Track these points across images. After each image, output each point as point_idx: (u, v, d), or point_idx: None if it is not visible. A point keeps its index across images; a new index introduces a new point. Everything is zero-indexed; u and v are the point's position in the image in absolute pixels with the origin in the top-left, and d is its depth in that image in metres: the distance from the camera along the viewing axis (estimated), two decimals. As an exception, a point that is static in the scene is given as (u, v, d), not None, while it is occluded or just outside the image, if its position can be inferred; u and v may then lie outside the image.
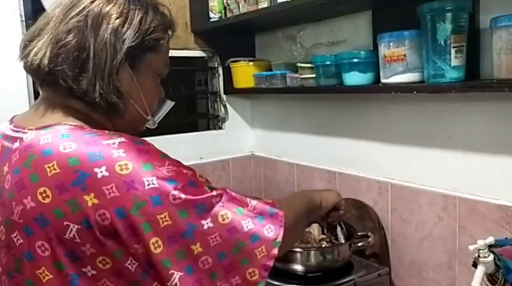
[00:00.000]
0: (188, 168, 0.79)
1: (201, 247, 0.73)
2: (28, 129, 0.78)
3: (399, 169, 1.55)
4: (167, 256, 0.71)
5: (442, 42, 1.19)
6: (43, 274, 0.71)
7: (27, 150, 0.74)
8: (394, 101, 1.53)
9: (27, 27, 1.55)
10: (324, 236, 1.47)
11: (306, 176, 1.93)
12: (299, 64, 1.67)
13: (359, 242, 1.44)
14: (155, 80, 0.90)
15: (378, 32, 1.38)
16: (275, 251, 0.80)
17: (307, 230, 1.47)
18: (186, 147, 2.03)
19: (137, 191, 0.70)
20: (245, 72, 1.94)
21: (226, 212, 0.77)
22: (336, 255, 1.38)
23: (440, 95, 1.37)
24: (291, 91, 1.76)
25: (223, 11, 1.90)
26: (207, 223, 0.74)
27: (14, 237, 0.73)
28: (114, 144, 0.73)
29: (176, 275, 0.71)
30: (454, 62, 1.20)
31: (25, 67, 0.82)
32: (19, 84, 1.60)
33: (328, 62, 1.53)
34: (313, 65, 1.58)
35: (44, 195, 0.70)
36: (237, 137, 2.20)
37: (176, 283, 0.71)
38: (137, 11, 0.81)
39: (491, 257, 1.08)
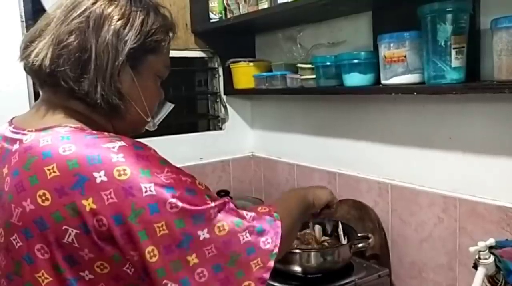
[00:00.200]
0: (187, 175, 0.78)
1: (197, 258, 0.73)
2: (28, 131, 0.77)
3: (399, 170, 1.54)
4: (162, 266, 0.70)
5: (442, 43, 1.19)
6: (42, 278, 0.71)
7: (26, 152, 0.74)
8: (394, 102, 1.53)
9: (27, 27, 1.54)
10: (326, 238, 1.47)
11: (306, 177, 1.93)
12: (299, 65, 1.66)
13: (359, 243, 1.44)
14: (156, 82, 0.90)
15: (379, 33, 1.38)
16: (271, 263, 0.79)
17: (308, 230, 1.47)
18: (186, 148, 2.03)
19: (134, 197, 0.69)
20: (245, 73, 1.94)
21: (223, 223, 0.76)
22: (336, 256, 1.38)
23: (440, 96, 1.37)
24: (291, 92, 1.75)
25: (223, 11, 1.90)
26: (203, 234, 0.73)
27: (13, 239, 0.72)
28: (114, 148, 0.72)
29: None
30: (455, 63, 1.20)
31: (25, 68, 0.82)
32: (19, 84, 1.59)
33: (328, 63, 1.52)
34: (313, 66, 1.58)
35: (43, 198, 0.70)
36: (237, 138, 2.20)
37: None
38: (138, 12, 0.81)
39: (492, 258, 1.08)
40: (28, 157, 0.73)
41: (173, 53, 2.04)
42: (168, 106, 0.99)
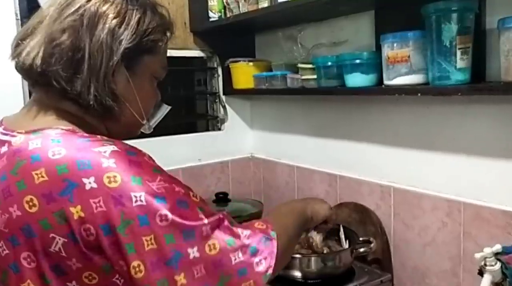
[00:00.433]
0: (182, 185, 0.75)
1: (185, 278, 0.69)
2: (18, 132, 0.75)
3: (402, 173, 1.52)
4: (147, 284, 0.67)
5: (447, 43, 1.17)
6: None
7: (15, 155, 0.71)
8: (397, 103, 1.50)
9: (22, 25, 1.52)
10: (327, 242, 1.44)
11: (306, 179, 1.90)
12: (299, 65, 1.64)
13: (361, 248, 1.41)
14: (152, 83, 0.88)
15: (381, 32, 1.36)
16: (264, 285, 0.76)
17: (308, 235, 1.45)
18: (185, 148, 2.01)
19: (124, 207, 0.66)
20: (244, 73, 1.92)
21: (214, 242, 0.72)
22: (337, 262, 1.35)
23: (444, 97, 1.34)
24: (291, 92, 1.74)
25: (222, 10, 1.88)
26: (193, 252, 0.70)
27: (0, 247, 0.70)
28: (105, 152, 0.69)
29: None
30: (460, 64, 1.17)
31: (16, 67, 0.80)
32: (13, 83, 1.56)
33: (329, 63, 1.50)
34: (314, 66, 1.56)
35: (31, 203, 0.67)
36: (237, 139, 2.18)
37: None
38: (135, 11, 0.79)
39: (498, 265, 1.05)
40: (16, 160, 0.70)
41: (171, 53, 2.02)
42: (165, 109, 0.97)
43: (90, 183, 0.66)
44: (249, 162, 2.21)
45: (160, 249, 0.67)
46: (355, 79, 1.42)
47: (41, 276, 0.68)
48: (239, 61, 1.94)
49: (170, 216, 0.68)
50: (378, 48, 1.38)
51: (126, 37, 0.77)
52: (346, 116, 1.71)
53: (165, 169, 0.75)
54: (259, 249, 0.77)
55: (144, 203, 0.67)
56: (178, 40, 1.93)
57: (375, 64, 1.39)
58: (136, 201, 0.67)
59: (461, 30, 1.16)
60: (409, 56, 1.27)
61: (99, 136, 0.74)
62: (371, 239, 1.46)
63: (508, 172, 1.24)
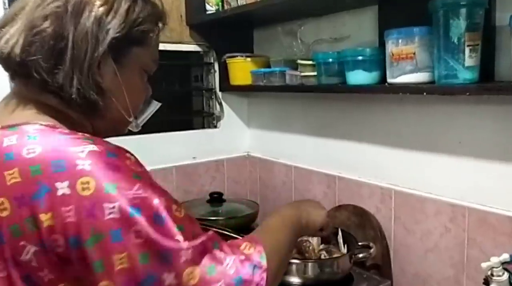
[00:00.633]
0: (165, 196, 0.67)
1: None
2: None
3: (404, 175, 1.47)
4: None
5: (455, 40, 1.12)
6: None
7: None
8: (401, 102, 1.46)
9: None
10: (325, 246, 1.40)
11: (304, 179, 1.86)
12: (299, 61, 1.61)
13: (360, 253, 1.36)
14: (142, 78, 0.83)
15: (385, 28, 1.31)
16: None
17: (305, 238, 1.40)
18: (179, 146, 1.97)
19: (95, 219, 0.60)
20: (242, 69, 1.89)
21: (193, 270, 0.65)
22: (336, 267, 1.30)
23: (450, 97, 1.30)
24: (290, 89, 1.71)
25: (220, 3, 1.84)
26: (169, 279, 0.63)
27: None
28: (82, 152, 0.64)
29: None
30: (468, 62, 1.12)
31: None
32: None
33: (330, 60, 1.47)
34: (314, 63, 1.52)
35: (1, 207, 0.62)
36: (233, 137, 2.13)
37: None
38: None
39: (506, 275, 1.02)
40: None
41: (166, 46, 1.96)
42: (155, 106, 0.91)
43: (63, 188, 0.61)
44: (245, 161, 2.16)
45: (132, 268, 0.61)
46: (357, 77, 1.38)
47: None
48: (237, 56, 1.90)
49: (145, 231, 0.62)
50: (381, 44, 1.34)
51: (113, 27, 0.72)
52: (347, 115, 1.66)
53: (158, 167, 0.69)
54: (245, 280, 0.69)
55: (117, 215, 0.61)
56: (174, 34, 1.89)
57: (378, 61, 1.34)
58: (109, 213, 0.61)
59: (470, 27, 1.11)
60: (414, 53, 1.22)
61: (80, 133, 0.69)
62: (371, 244, 1.41)
63: (516, 176, 1.20)
